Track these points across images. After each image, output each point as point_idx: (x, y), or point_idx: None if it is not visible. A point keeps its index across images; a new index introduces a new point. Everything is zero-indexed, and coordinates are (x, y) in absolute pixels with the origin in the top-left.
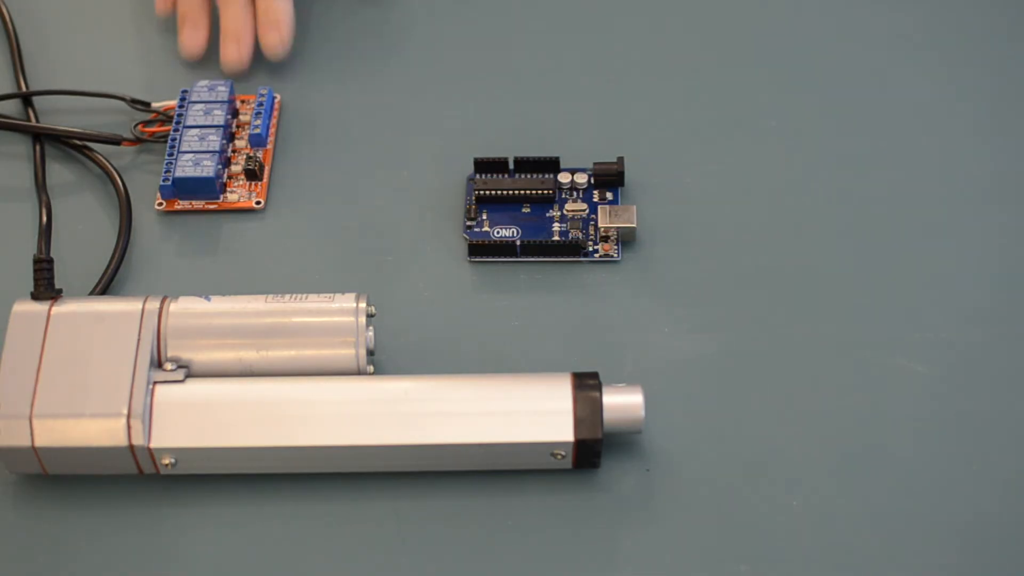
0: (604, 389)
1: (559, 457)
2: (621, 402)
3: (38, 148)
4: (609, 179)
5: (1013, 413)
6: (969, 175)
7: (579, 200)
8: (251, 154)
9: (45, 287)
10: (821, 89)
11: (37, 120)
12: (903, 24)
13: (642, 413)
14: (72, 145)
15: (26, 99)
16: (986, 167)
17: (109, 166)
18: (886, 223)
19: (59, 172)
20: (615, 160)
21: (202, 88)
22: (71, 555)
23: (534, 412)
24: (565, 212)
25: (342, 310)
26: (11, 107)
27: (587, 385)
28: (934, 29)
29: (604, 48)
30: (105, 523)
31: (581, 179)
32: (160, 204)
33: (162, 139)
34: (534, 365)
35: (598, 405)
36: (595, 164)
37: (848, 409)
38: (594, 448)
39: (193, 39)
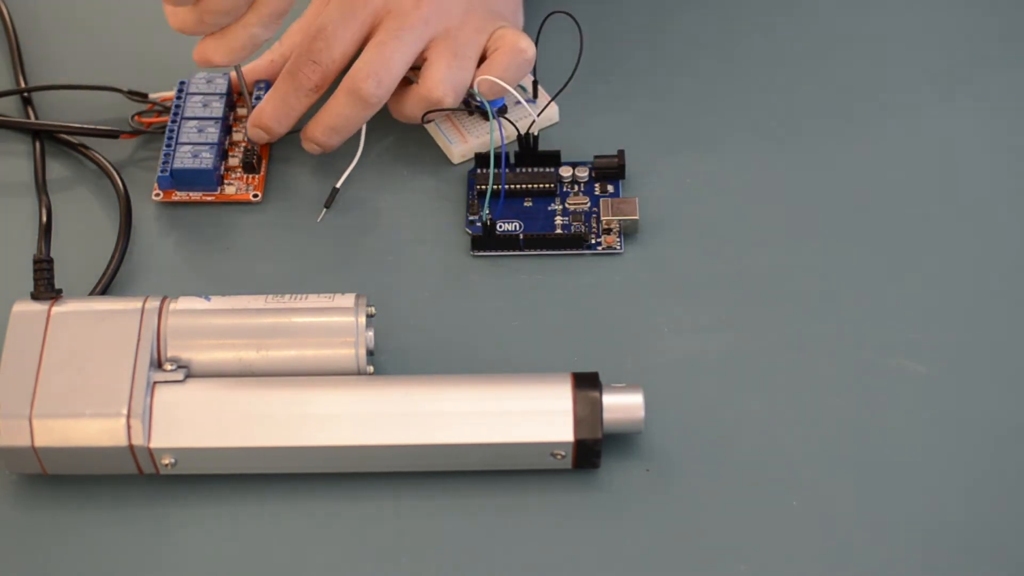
0: (604, 389)
1: (559, 457)
2: (621, 402)
3: (38, 147)
4: (610, 172)
5: (1013, 413)
6: (970, 175)
7: (580, 194)
8: (249, 147)
9: (45, 287)
10: (823, 87)
11: (36, 117)
12: (903, 24)
13: (642, 413)
14: (71, 144)
15: (24, 96)
16: (987, 167)
17: (109, 166)
18: (887, 223)
19: (59, 171)
20: (615, 153)
21: (200, 80)
22: (71, 555)
23: (534, 412)
24: (567, 206)
25: (342, 310)
26: (11, 106)
27: (587, 385)
28: (933, 29)
29: (602, 40)
30: (105, 523)
31: (582, 172)
32: (157, 195)
33: (160, 131)
34: (534, 365)
35: (598, 405)
36: (596, 157)
37: (848, 409)
38: (594, 448)
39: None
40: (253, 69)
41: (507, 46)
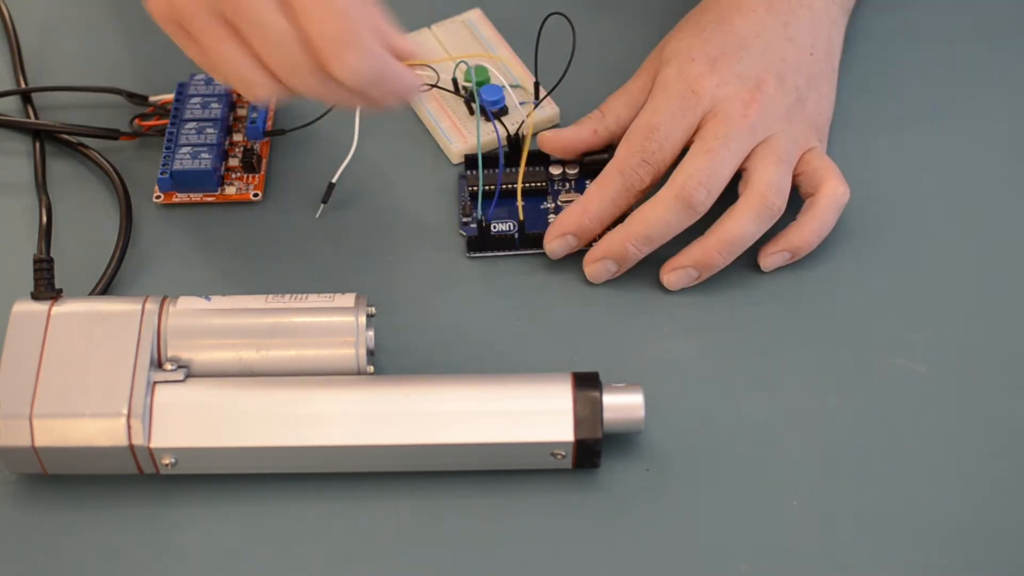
0: (604, 389)
1: (559, 457)
2: (621, 402)
3: (38, 147)
4: (599, 167)
5: (1013, 413)
6: (970, 174)
7: (572, 191)
8: (248, 147)
9: (45, 287)
10: None
11: (36, 117)
12: (903, 23)
13: (642, 413)
14: (71, 144)
15: (25, 96)
16: (987, 166)
17: (109, 166)
18: (887, 222)
19: (59, 171)
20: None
21: (199, 82)
22: (71, 555)
23: (534, 412)
24: (560, 203)
25: (342, 310)
26: (11, 106)
27: (587, 385)
28: (932, 29)
29: (601, 40)
30: (105, 523)
31: (572, 170)
32: (158, 197)
33: (159, 133)
34: (534, 365)
35: (598, 405)
36: (584, 154)
37: (848, 409)
38: (594, 448)
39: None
40: (576, 138)
41: (828, 192)
